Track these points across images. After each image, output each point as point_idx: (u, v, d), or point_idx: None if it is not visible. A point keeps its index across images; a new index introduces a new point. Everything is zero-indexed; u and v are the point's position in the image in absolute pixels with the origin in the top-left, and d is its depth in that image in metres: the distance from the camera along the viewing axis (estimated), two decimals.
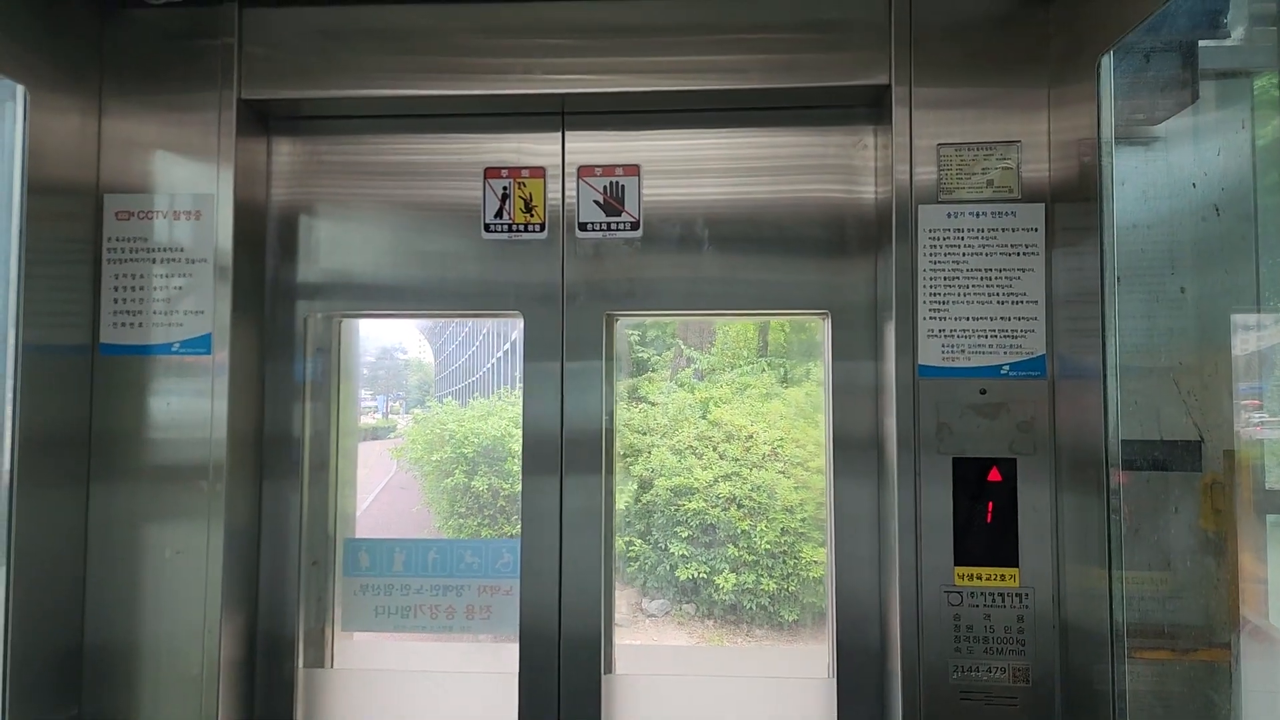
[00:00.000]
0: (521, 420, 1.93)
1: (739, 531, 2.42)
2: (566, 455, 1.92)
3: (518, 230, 1.94)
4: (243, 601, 1.91)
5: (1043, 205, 1.73)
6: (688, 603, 2.46)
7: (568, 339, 1.92)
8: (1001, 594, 1.72)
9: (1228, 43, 1.52)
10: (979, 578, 1.72)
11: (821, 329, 1.96)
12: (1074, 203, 1.68)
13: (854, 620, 1.87)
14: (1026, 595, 1.72)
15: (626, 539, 2.60)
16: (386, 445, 2.47)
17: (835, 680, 1.88)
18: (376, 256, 1.98)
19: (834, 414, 1.89)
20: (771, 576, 2.36)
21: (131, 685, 1.82)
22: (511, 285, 1.94)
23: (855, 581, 1.87)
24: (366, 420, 2.33)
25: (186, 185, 1.86)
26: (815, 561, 2.33)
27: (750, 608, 2.47)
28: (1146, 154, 1.60)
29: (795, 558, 2.32)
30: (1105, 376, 1.58)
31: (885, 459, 1.82)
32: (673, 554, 2.49)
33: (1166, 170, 1.57)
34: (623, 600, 2.22)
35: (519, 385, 1.95)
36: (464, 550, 2.01)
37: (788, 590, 2.38)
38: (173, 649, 1.81)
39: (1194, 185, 1.54)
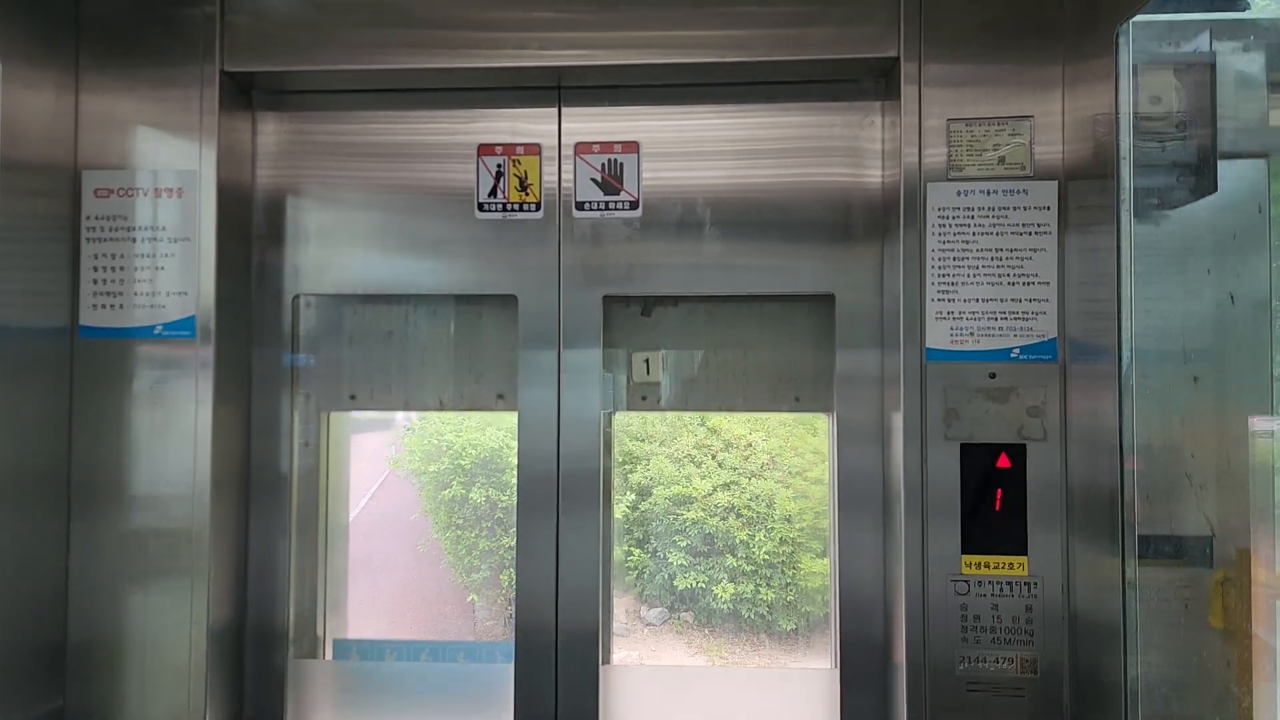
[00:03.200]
0: (518, 404, 1.87)
1: (737, 541, 2.38)
2: (563, 440, 1.86)
3: (512, 209, 1.88)
4: (231, 592, 1.86)
5: (1055, 183, 1.68)
6: (686, 611, 2.42)
7: (565, 321, 1.86)
8: (1010, 583, 1.68)
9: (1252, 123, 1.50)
10: (987, 566, 1.68)
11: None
12: (1089, 180, 1.63)
13: (858, 610, 1.83)
14: (1035, 584, 1.67)
15: (625, 548, 2.56)
16: (382, 439, 2.41)
17: (838, 671, 1.84)
18: (366, 235, 1.91)
19: (839, 400, 1.84)
20: (770, 586, 2.32)
21: (117, 677, 1.77)
22: (506, 266, 1.88)
23: (859, 570, 1.83)
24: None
25: (168, 161, 1.79)
26: (814, 572, 2.29)
27: (749, 617, 2.43)
28: (1158, 231, 1.55)
29: (794, 567, 2.27)
30: (1120, 360, 1.53)
31: (891, 445, 1.77)
32: (671, 563, 2.45)
33: (1181, 252, 1.55)
34: (621, 608, 2.16)
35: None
36: (457, 651, 1.96)
37: (786, 599, 2.34)
38: (159, 641, 1.76)
39: (1208, 271, 1.52)
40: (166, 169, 1.79)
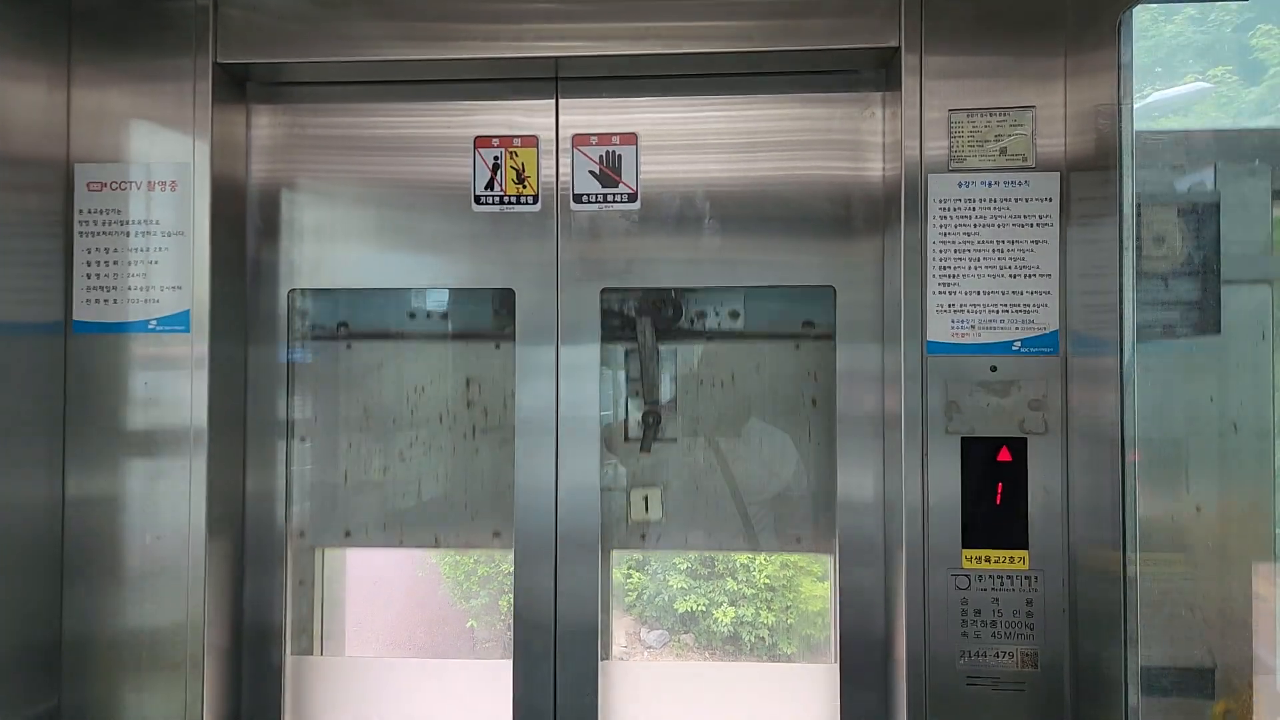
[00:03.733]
0: (516, 395, 1.86)
1: (738, 564, 2.36)
2: (562, 430, 1.85)
3: (510, 202, 1.86)
4: (227, 588, 1.85)
5: (1058, 174, 1.66)
6: (686, 634, 2.41)
7: (563, 314, 1.85)
8: (1010, 576, 1.67)
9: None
10: (987, 560, 1.67)
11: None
12: (1091, 171, 1.61)
13: (858, 605, 1.82)
14: (1036, 578, 1.67)
15: (624, 569, 2.55)
16: None
17: (838, 666, 1.83)
18: (362, 229, 1.90)
19: (841, 391, 1.83)
20: (771, 610, 2.30)
21: (113, 674, 1.76)
22: (504, 259, 1.86)
23: (859, 564, 1.82)
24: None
25: (162, 154, 1.77)
26: (815, 595, 2.28)
27: (749, 640, 2.41)
28: (1160, 359, 1.55)
29: (794, 591, 2.25)
30: (1122, 353, 1.52)
31: (892, 438, 1.76)
32: (671, 586, 2.43)
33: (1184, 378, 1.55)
34: (621, 630, 2.15)
35: None
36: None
37: (786, 623, 2.32)
38: (155, 637, 1.75)
39: (1211, 399, 1.52)
40: (160, 162, 1.78)
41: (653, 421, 1.97)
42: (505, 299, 1.94)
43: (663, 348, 1.98)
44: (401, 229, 1.89)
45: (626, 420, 1.99)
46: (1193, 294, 1.51)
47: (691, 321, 1.99)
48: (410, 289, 1.97)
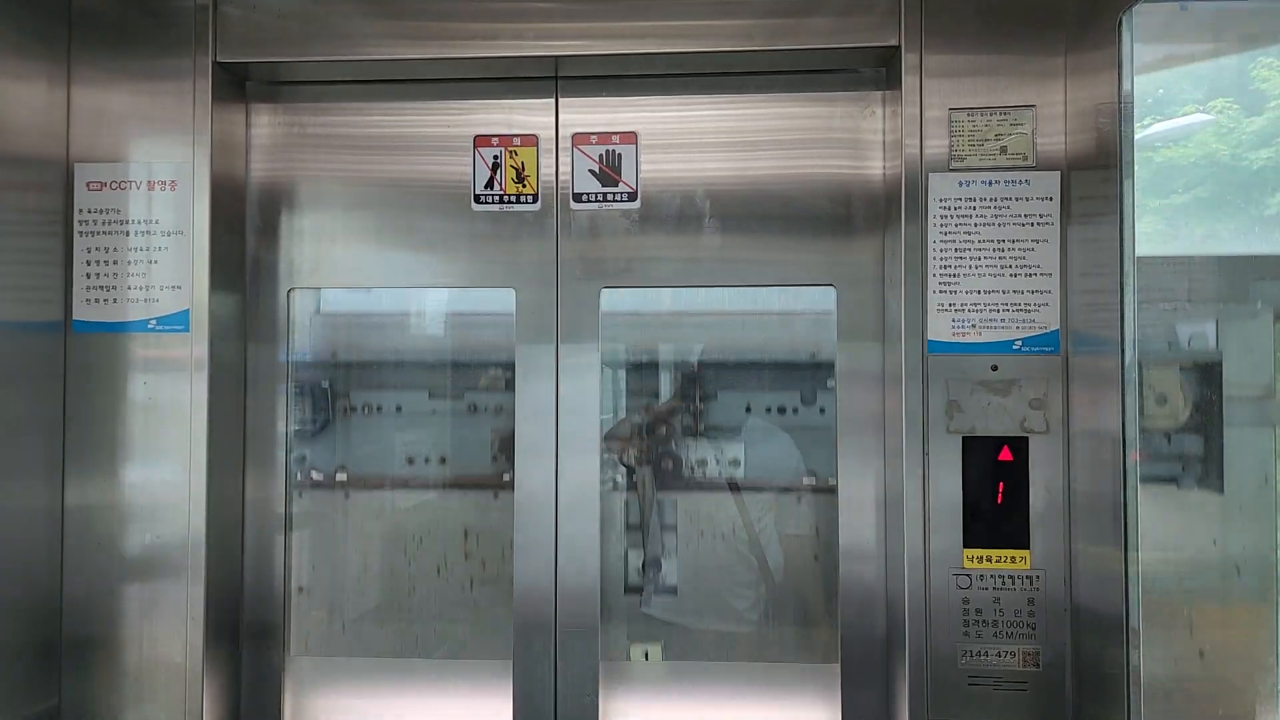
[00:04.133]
0: (516, 395, 1.86)
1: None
2: (562, 435, 1.85)
3: (509, 201, 1.86)
4: (227, 589, 1.84)
5: (1058, 174, 1.66)
6: None
7: (562, 315, 1.85)
8: (1012, 576, 1.66)
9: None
10: (989, 560, 1.67)
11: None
12: (1092, 170, 1.61)
13: (859, 604, 1.82)
14: (1037, 578, 1.66)
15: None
16: None
17: (839, 666, 1.83)
18: (361, 229, 1.89)
19: (841, 391, 1.83)
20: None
21: (113, 675, 1.75)
22: (503, 258, 1.86)
23: (860, 564, 1.82)
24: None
25: (161, 154, 1.77)
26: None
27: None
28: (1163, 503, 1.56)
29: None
30: (1124, 352, 1.51)
31: (892, 438, 1.75)
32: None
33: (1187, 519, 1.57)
34: None
35: None
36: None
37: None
38: (154, 638, 1.75)
39: (1214, 542, 1.54)
40: (160, 161, 1.77)
41: (653, 574, 1.99)
42: (505, 444, 1.94)
43: (663, 497, 2.00)
44: (401, 228, 1.88)
45: (626, 569, 2.00)
46: (1196, 449, 1.54)
47: (692, 470, 2.00)
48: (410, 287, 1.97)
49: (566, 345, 1.84)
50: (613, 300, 1.86)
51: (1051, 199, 1.66)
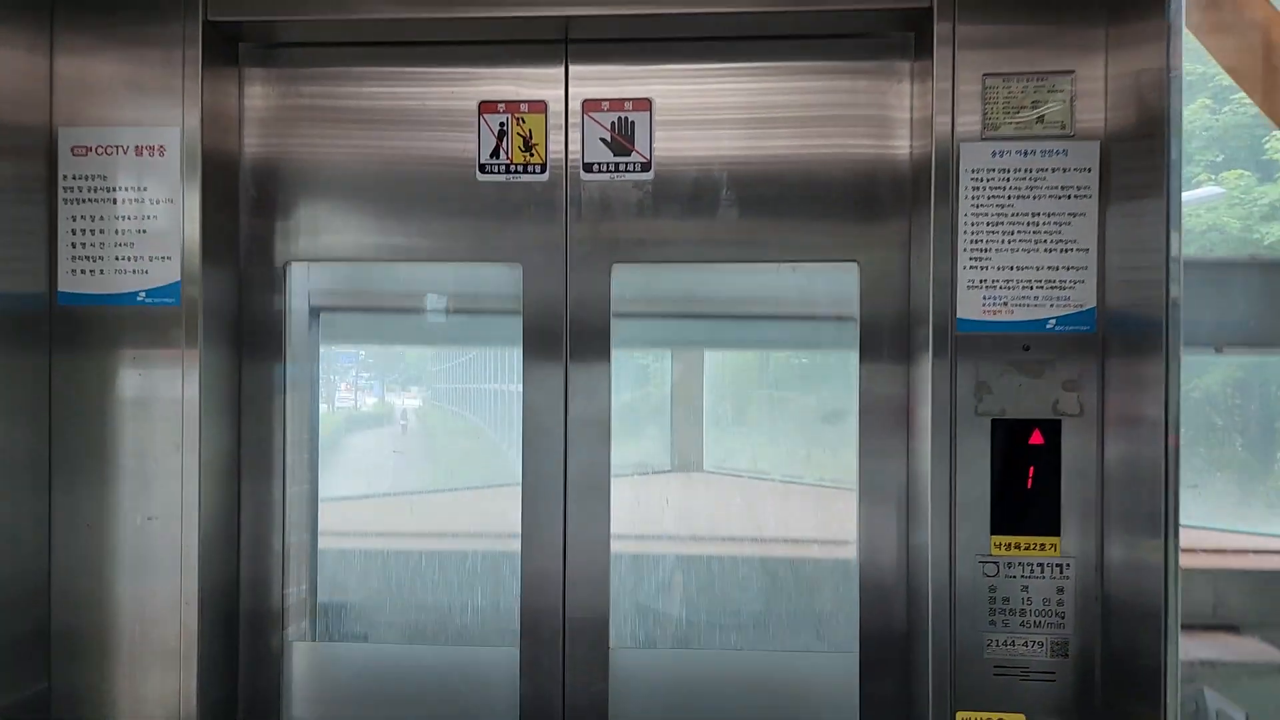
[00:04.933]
0: (521, 378, 1.78)
1: None
2: (570, 426, 1.77)
3: (516, 171, 1.77)
4: (223, 571, 1.77)
5: (1097, 144, 1.58)
6: None
7: (572, 292, 1.76)
8: (1040, 564, 1.60)
9: None
10: (1017, 547, 1.60)
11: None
12: (1134, 141, 1.53)
13: (879, 591, 1.75)
14: (1067, 566, 1.60)
15: None
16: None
17: (857, 656, 1.77)
18: (361, 197, 1.80)
19: (863, 373, 1.75)
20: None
21: (104, 659, 1.69)
22: (509, 231, 1.77)
23: (881, 550, 1.75)
24: (356, 402, 2.16)
25: (150, 117, 1.67)
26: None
27: None
28: None
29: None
30: (1167, 333, 1.44)
31: (917, 421, 1.68)
32: None
33: None
34: None
35: None
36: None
37: None
38: (147, 621, 1.68)
39: None
40: (148, 126, 1.68)
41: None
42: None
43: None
44: (402, 199, 1.79)
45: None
46: None
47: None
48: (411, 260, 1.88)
49: (576, 324, 1.76)
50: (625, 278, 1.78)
51: (1090, 170, 1.58)
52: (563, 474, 1.78)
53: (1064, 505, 1.60)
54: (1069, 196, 1.59)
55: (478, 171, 1.77)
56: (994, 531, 1.60)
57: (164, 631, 1.67)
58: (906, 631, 1.74)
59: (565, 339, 1.76)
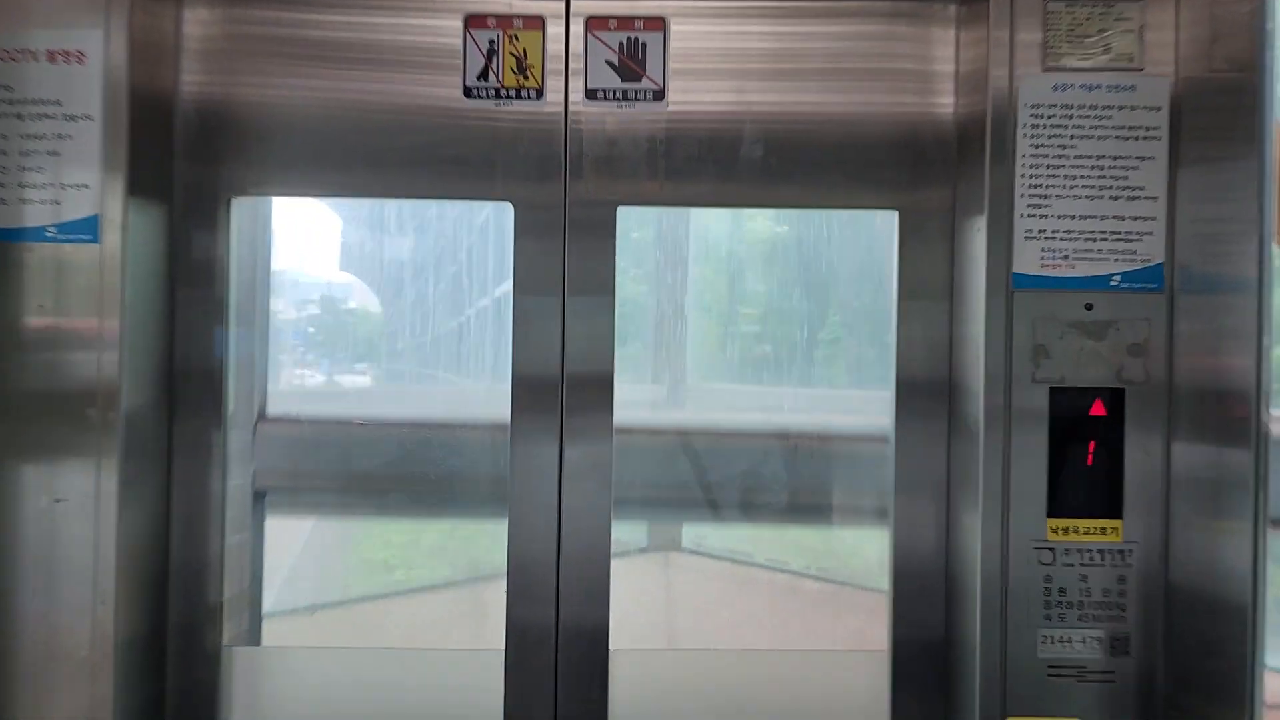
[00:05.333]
0: (511, 344, 1.54)
1: None
2: (568, 387, 1.54)
3: (507, 96, 1.52)
4: (147, 564, 1.48)
5: (1169, 80, 1.41)
6: None
7: (571, 239, 1.53)
8: (1101, 550, 1.43)
9: None
10: (1076, 531, 1.42)
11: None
12: (1212, 76, 1.37)
13: (917, 582, 1.56)
14: (1130, 552, 1.43)
15: None
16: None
17: (890, 654, 1.57)
18: (323, 117, 1.53)
19: (901, 336, 1.56)
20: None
21: (3, 671, 1.38)
22: (499, 165, 1.53)
23: (919, 536, 1.56)
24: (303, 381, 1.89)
25: (68, 16, 1.39)
26: None
27: None
28: None
29: None
30: (1261, 291, 1.27)
31: (965, 388, 1.49)
32: None
33: None
34: None
35: None
36: None
37: None
38: (54, 624, 1.38)
39: None
40: (64, 26, 1.39)
41: None
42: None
43: None
44: (371, 124, 1.53)
45: None
46: None
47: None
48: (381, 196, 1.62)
49: (575, 275, 1.53)
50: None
51: (1160, 109, 1.41)
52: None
53: (1127, 485, 1.43)
54: (1137, 138, 1.42)
55: (463, 95, 1.52)
56: (1050, 514, 1.42)
57: (74, 637, 1.38)
58: (947, 627, 1.55)
59: (562, 287, 1.53)
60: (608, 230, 1.53)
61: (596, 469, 1.53)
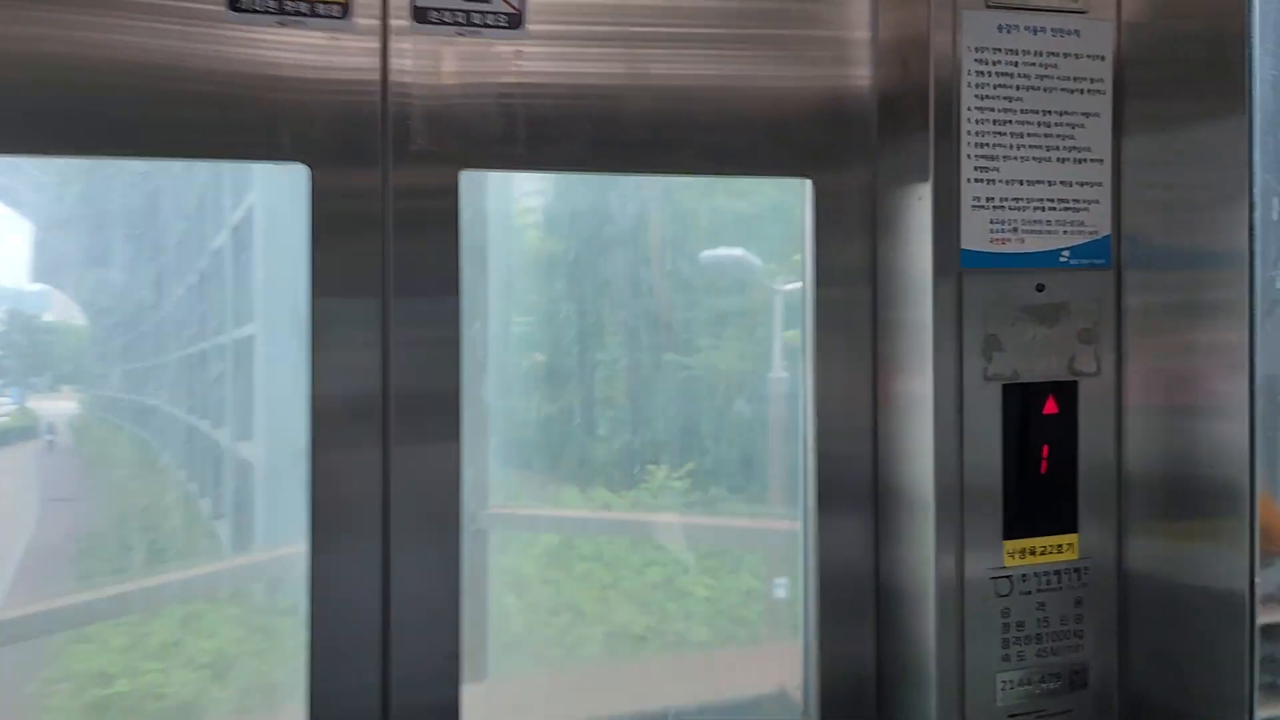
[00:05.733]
0: (310, 367, 1.10)
1: None
2: (396, 414, 1.12)
3: (297, 14, 1.07)
4: None
5: (1111, 24, 1.22)
6: None
7: (396, 216, 1.11)
8: (1058, 572, 1.23)
9: None
10: (1033, 553, 1.21)
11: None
12: (1163, 22, 1.19)
13: (842, 628, 1.29)
14: (1085, 570, 1.24)
15: None
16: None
17: (815, 713, 1.29)
18: (25, 49, 1.01)
19: (816, 329, 1.27)
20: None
21: None
22: (284, 110, 1.08)
23: (845, 571, 1.29)
24: None
25: None
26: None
27: None
28: None
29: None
30: (1253, 268, 1.09)
31: (903, 391, 1.23)
32: None
33: None
34: None
35: None
36: None
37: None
38: None
39: None
40: None
41: None
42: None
43: None
44: (97, 46, 1.02)
45: None
46: None
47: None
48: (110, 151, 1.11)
49: (401, 269, 1.11)
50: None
51: (1104, 58, 1.22)
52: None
53: (1081, 493, 1.23)
54: (1082, 90, 1.22)
55: (228, 9, 1.05)
56: (1007, 535, 1.20)
57: None
58: (879, 682, 1.29)
59: (384, 286, 1.11)
60: (448, 203, 1.12)
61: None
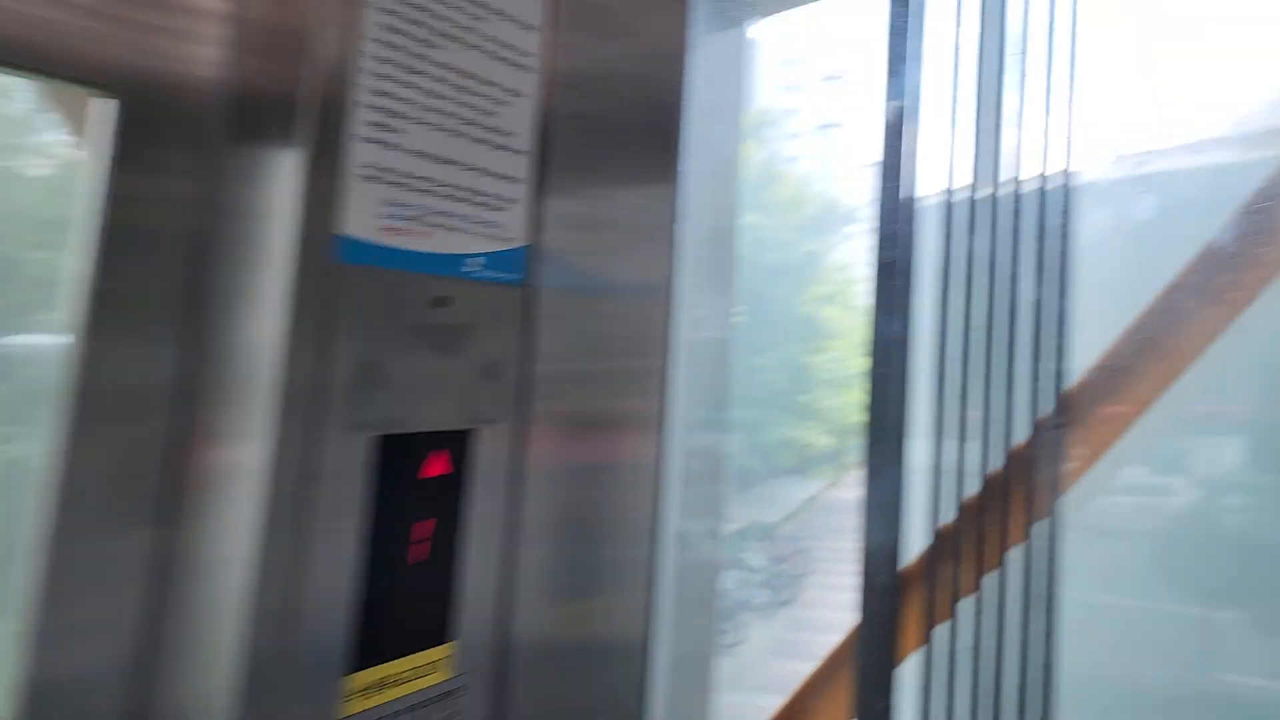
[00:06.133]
0: None
1: None
2: None
3: None
4: None
5: None
6: None
7: None
8: (423, 704, 0.89)
9: None
10: (396, 682, 0.86)
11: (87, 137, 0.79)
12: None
13: None
14: (461, 691, 0.93)
15: None
16: None
17: None
18: None
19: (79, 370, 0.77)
20: None
21: None
22: None
23: None
24: None
25: None
26: None
27: None
28: None
29: None
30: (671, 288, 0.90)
31: (211, 446, 0.80)
32: None
33: None
34: None
35: None
36: None
37: None
38: None
39: None
40: None
41: None
42: None
43: None
44: None
45: None
46: None
47: None
48: None
49: None
50: None
51: (534, 28, 0.96)
52: None
53: (465, 582, 0.92)
54: (507, 61, 0.94)
55: None
56: (361, 665, 0.83)
57: None
58: None
59: None
60: None
61: None
